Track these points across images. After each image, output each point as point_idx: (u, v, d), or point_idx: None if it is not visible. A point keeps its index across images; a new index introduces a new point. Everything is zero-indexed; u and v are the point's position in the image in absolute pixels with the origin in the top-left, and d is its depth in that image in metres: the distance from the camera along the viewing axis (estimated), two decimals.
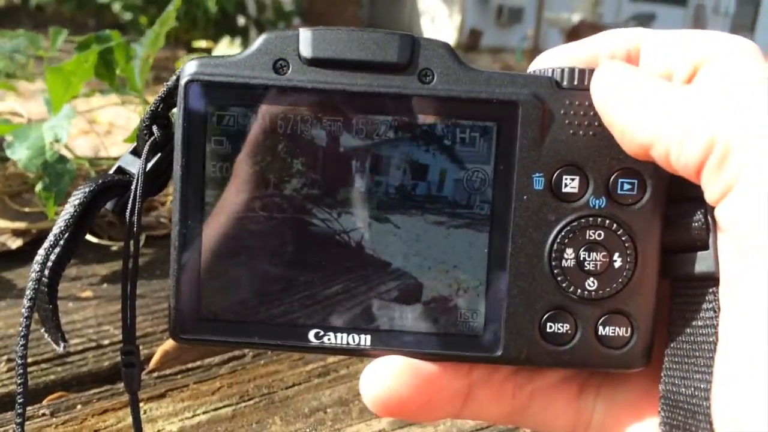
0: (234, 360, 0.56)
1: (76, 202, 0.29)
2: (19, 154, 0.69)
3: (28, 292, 0.29)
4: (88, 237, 0.73)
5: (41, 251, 0.29)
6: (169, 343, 0.57)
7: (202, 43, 1.45)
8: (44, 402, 0.49)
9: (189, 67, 0.28)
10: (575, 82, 0.28)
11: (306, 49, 0.28)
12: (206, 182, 0.28)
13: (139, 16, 5.43)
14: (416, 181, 0.28)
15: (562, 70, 0.28)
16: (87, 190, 0.29)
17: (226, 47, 1.52)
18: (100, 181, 0.30)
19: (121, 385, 0.52)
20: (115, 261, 0.72)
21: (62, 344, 0.30)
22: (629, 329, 0.28)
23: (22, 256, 0.71)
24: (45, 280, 0.28)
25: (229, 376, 0.54)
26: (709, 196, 0.23)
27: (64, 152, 0.76)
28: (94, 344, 0.57)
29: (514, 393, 0.30)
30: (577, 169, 0.28)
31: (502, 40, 10.41)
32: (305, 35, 0.27)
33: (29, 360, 0.53)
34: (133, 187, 0.29)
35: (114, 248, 0.73)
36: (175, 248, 0.28)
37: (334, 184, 0.28)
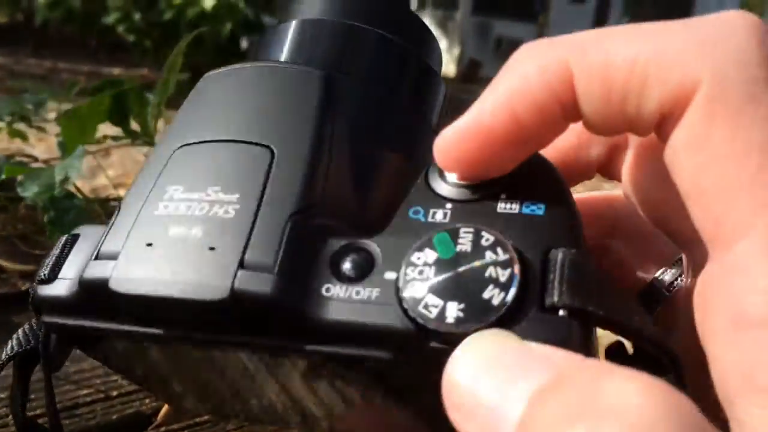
0: None
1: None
2: (29, 191, 0.70)
3: None
4: None
5: None
6: None
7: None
8: None
9: (37, 303, 0.25)
10: (450, 342, 0.19)
11: (122, 308, 0.22)
12: None
13: (143, 38, 5.49)
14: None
15: (425, 329, 0.19)
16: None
17: None
18: (14, 352, 0.27)
19: None
20: None
21: None
22: None
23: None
24: None
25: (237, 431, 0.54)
26: None
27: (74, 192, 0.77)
28: (102, 395, 0.57)
29: None
30: None
31: None
32: (115, 294, 0.21)
33: (39, 411, 0.54)
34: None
35: None
36: None
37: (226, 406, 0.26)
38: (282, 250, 0.20)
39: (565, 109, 0.20)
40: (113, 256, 0.22)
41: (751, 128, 0.16)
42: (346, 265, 0.21)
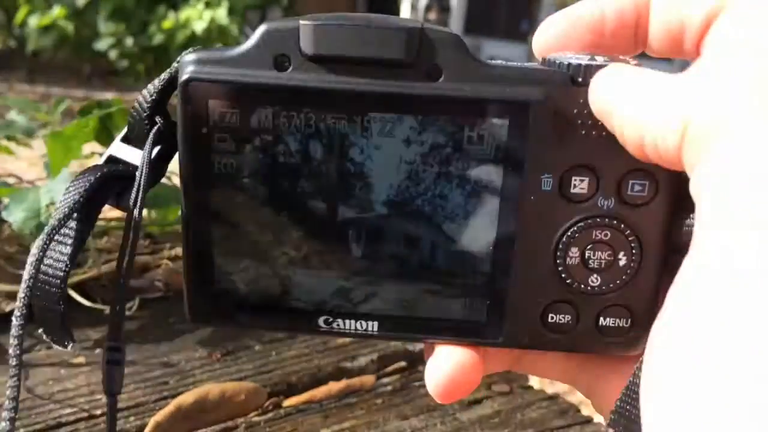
0: None
1: (81, 188, 0.28)
2: (15, 216, 0.70)
3: (21, 293, 0.27)
4: (81, 300, 0.74)
5: (38, 241, 0.28)
6: (161, 414, 0.57)
7: None
8: None
9: (187, 64, 0.28)
10: (589, 79, 0.27)
11: (307, 46, 0.27)
12: (211, 177, 0.29)
13: (136, 63, 5.50)
14: (423, 179, 0.28)
15: (579, 66, 0.27)
16: (91, 178, 0.29)
17: None
18: (105, 170, 0.29)
19: None
20: None
21: (69, 344, 0.29)
22: (629, 320, 0.29)
23: None
24: (51, 276, 0.28)
25: None
26: (689, 174, 0.23)
27: None
28: (86, 414, 0.57)
29: (511, 350, 0.32)
30: (588, 170, 0.28)
31: None
32: (306, 30, 0.27)
33: None
34: (137, 176, 0.29)
35: (107, 312, 0.73)
36: (186, 242, 0.29)
37: (336, 180, 0.29)
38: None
39: (639, 21, 0.27)
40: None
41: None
42: None
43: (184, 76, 0.27)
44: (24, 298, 0.28)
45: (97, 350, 0.67)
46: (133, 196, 0.29)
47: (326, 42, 0.27)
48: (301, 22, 0.27)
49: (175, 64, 0.28)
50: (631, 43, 0.28)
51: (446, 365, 0.30)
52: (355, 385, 0.64)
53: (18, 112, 0.91)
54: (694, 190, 0.22)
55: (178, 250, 0.86)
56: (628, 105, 0.24)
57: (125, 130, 0.31)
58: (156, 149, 0.30)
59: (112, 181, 0.30)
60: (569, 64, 0.27)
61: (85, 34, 5.58)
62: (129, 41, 5.45)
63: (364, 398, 0.62)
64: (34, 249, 0.28)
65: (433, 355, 0.31)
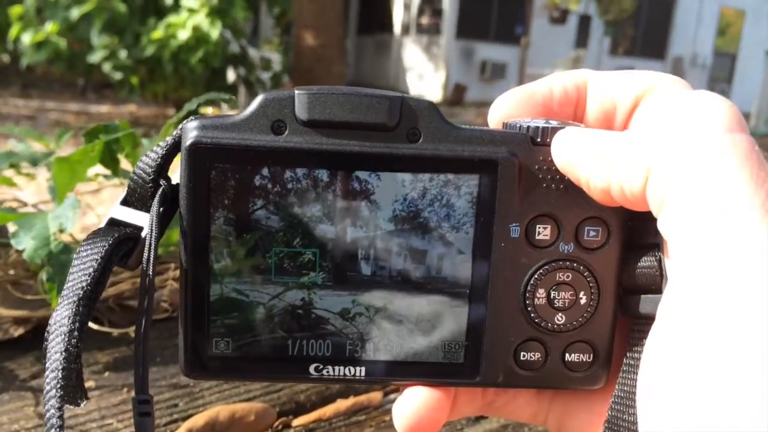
0: None
1: (95, 261, 0.29)
2: (24, 244, 0.70)
3: (55, 365, 0.28)
4: (89, 324, 0.74)
5: (63, 320, 0.28)
6: None
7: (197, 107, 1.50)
8: None
9: (190, 130, 0.30)
10: (548, 140, 0.30)
11: (301, 112, 0.30)
12: (210, 236, 0.30)
13: (130, 75, 5.51)
14: (404, 230, 0.31)
15: (537, 128, 0.31)
16: (103, 248, 0.29)
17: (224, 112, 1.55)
18: (115, 235, 0.30)
19: None
20: (117, 348, 0.72)
21: (83, 402, 0.29)
22: (591, 355, 0.32)
23: (24, 344, 0.71)
24: (72, 347, 0.28)
25: None
26: (656, 215, 0.27)
27: (67, 239, 0.77)
28: None
29: (483, 394, 0.35)
30: (549, 219, 0.31)
31: (486, 94, 10.62)
32: (301, 98, 0.29)
33: None
34: (147, 236, 0.30)
35: (115, 334, 0.74)
36: (184, 296, 0.31)
37: (326, 234, 0.31)
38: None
39: (579, 98, 0.33)
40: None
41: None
42: None
43: (188, 141, 0.29)
44: (63, 370, 0.28)
45: (107, 373, 0.68)
46: (145, 256, 0.30)
47: (319, 108, 0.30)
48: (296, 91, 0.30)
49: (177, 131, 0.30)
50: (572, 116, 0.33)
51: (412, 405, 0.32)
52: (363, 403, 0.64)
53: (20, 141, 0.91)
54: (664, 226, 0.26)
55: None
56: (593, 158, 0.29)
57: (125, 193, 0.32)
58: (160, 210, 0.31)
59: (119, 245, 0.30)
60: (529, 127, 0.31)
61: (79, 48, 5.58)
62: (122, 54, 5.46)
63: (372, 415, 0.63)
64: (65, 319, 0.28)
65: (401, 395, 0.33)
